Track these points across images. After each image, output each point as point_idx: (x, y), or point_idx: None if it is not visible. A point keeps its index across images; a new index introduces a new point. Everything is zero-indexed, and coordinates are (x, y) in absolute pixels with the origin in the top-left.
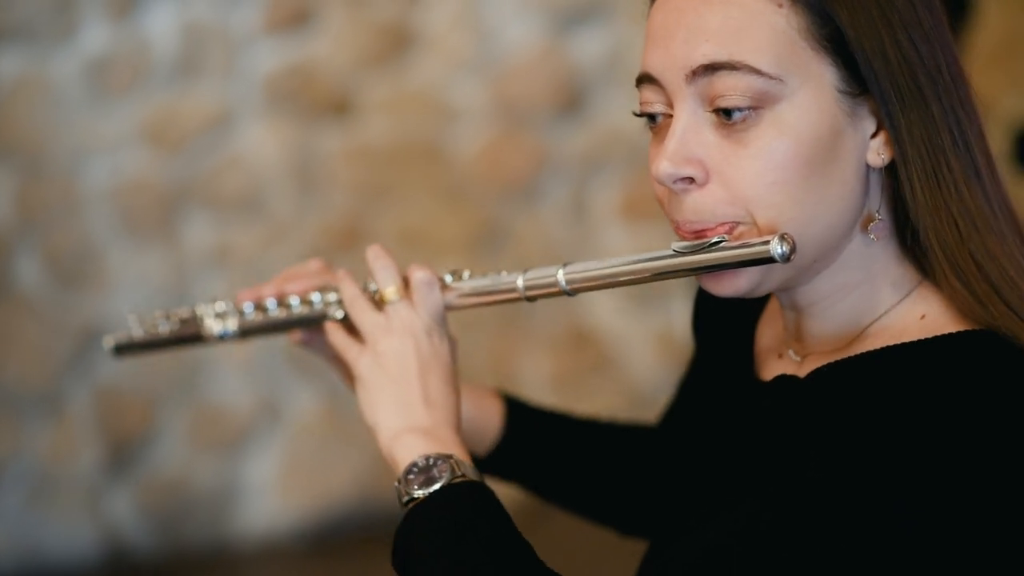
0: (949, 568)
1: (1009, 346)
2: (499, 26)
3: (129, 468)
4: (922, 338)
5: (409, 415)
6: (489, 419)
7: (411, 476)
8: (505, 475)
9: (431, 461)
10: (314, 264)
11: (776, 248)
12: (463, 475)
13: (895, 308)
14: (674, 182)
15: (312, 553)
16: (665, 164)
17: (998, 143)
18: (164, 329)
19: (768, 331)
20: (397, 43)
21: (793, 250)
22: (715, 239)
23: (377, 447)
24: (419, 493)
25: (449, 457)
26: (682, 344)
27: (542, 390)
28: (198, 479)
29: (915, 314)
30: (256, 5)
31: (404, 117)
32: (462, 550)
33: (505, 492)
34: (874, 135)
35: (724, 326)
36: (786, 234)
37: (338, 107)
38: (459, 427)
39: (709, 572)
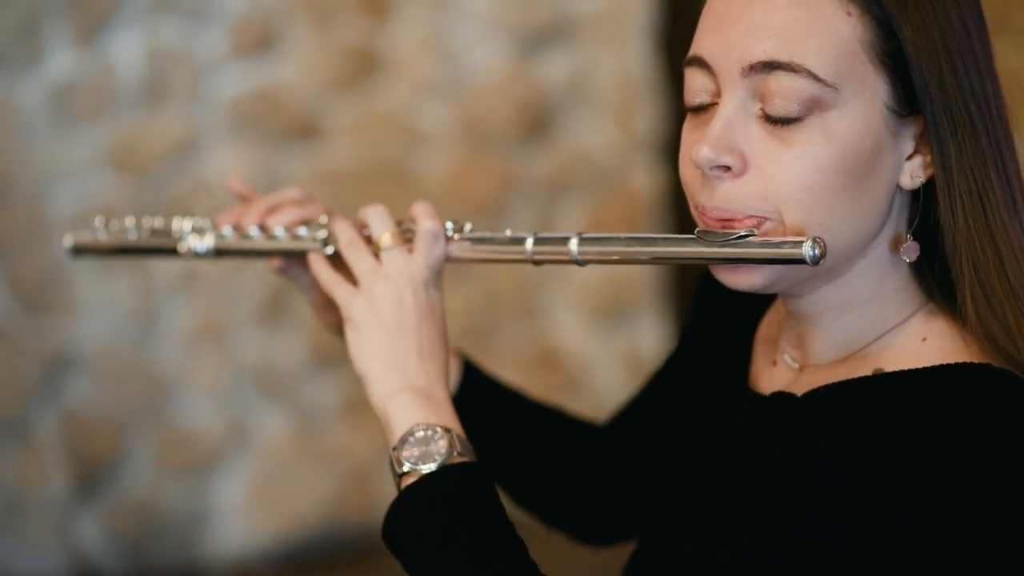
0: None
1: (1016, 381)
2: (465, 49)
3: (98, 492)
4: (923, 366)
5: (404, 369)
6: None
7: (408, 445)
8: None
9: (430, 433)
10: (293, 192)
11: (808, 251)
12: (460, 453)
13: (897, 328)
14: (711, 168)
15: (282, 575)
16: (706, 149)
17: None
18: (132, 236)
19: (767, 334)
20: (363, 67)
21: (823, 255)
22: (743, 232)
23: (346, 467)
24: (415, 468)
25: (448, 431)
26: (649, 364)
27: None
28: (167, 502)
29: (916, 336)
30: (222, 30)
31: (370, 141)
32: (456, 538)
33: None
34: (910, 157)
35: (724, 319)
36: (819, 238)
37: (304, 131)
38: (448, 383)
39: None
